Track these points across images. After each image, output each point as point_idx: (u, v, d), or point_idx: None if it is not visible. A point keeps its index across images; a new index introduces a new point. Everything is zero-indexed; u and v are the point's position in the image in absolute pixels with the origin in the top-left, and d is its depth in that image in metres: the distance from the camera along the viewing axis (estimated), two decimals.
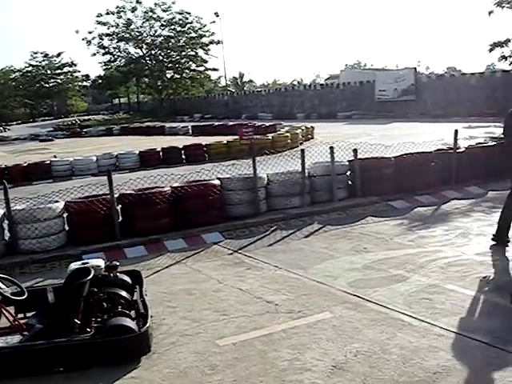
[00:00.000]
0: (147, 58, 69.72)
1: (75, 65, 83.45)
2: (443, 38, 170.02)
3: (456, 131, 11.91)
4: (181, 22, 67.99)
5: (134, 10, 67.00)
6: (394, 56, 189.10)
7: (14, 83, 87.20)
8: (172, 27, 68.53)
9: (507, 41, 34.71)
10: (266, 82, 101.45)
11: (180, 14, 67.80)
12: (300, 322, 5.66)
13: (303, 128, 25.05)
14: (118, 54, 70.35)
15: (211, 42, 68.55)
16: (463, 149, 12.51)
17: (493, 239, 7.80)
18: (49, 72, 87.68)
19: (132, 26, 68.71)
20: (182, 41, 68.80)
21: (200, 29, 68.79)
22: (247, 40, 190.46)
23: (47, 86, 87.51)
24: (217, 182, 10.16)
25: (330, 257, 7.94)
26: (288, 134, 22.22)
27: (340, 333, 5.33)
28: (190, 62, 70.13)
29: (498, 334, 5.06)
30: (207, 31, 68.46)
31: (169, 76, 69.90)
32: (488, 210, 10.07)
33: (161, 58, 69.35)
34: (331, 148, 11.14)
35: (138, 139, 35.43)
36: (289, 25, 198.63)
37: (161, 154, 20.95)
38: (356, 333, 5.31)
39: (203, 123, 42.28)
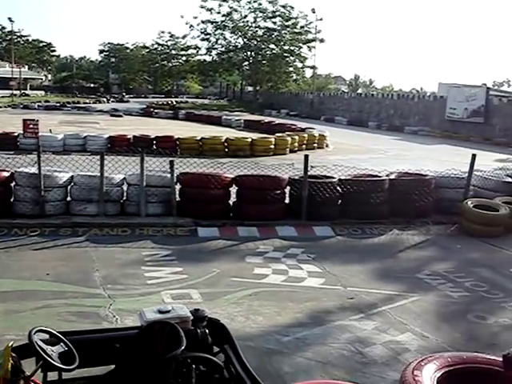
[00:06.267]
0: (247, 49, 69.14)
1: (199, 48, 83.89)
2: None
3: (306, 156, 9.96)
4: (284, 15, 66.68)
5: None
6: None
7: (142, 59, 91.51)
8: (274, 20, 67.38)
9: None
10: (386, 86, 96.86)
11: (283, 7, 66.53)
12: None
13: (305, 135, 23.05)
14: (218, 41, 70.14)
15: (314, 40, 66.57)
16: (336, 179, 10.53)
17: None
18: (173, 52, 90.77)
19: (236, 16, 68.17)
20: (284, 35, 67.41)
21: (306, 25, 67.15)
22: (366, 40, 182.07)
23: (169, 65, 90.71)
24: (6, 173, 9.44)
25: None
26: (272, 140, 20.49)
27: None
28: (291, 57, 68.60)
29: None
30: (312, 28, 66.58)
31: (266, 69, 68.72)
32: (285, 259, 8.26)
33: (260, 50, 68.43)
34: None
35: (186, 125, 35.78)
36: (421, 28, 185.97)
37: (131, 140, 20.19)
38: None
39: (255, 119, 41.18)
